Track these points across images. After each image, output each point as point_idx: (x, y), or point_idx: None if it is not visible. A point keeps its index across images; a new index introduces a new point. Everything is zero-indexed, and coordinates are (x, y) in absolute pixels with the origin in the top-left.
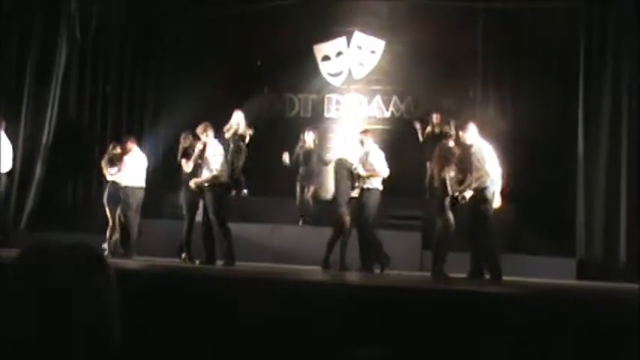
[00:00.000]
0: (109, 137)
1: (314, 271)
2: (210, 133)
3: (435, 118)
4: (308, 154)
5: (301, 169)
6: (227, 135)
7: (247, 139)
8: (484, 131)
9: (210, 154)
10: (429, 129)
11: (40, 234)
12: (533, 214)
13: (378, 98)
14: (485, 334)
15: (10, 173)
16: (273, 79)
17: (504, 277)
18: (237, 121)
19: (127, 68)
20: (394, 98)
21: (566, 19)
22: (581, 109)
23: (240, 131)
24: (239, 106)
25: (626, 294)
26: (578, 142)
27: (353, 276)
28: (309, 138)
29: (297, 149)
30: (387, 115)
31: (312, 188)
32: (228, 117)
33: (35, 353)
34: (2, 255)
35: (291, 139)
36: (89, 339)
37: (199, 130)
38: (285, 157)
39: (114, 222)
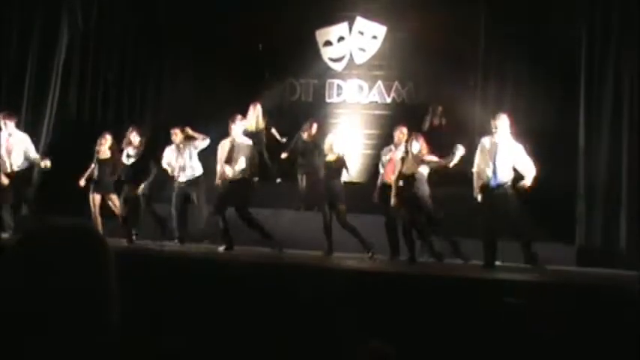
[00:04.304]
0: (109, 126)
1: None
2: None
3: (439, 109)
4: (307, 145)
5: (300, 159)
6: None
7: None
8: (484, 120)
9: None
10: (429, 120)
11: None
12: (534, 201)
13: (379, 84)
14: (487, 321)
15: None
16: (275, 63)
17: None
18: (257, 114)
19: (128, 55)
20: (395, 84)
21: (569, 11)
22: (582, 96)
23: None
24: (241, 93)
25: (625, 281)
26: (580, 130)
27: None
28: (312, 130)
29: (297, 139)
30: (389, 100)
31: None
32: (229, 105)
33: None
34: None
35: (291, 124)
36: (85, 318)
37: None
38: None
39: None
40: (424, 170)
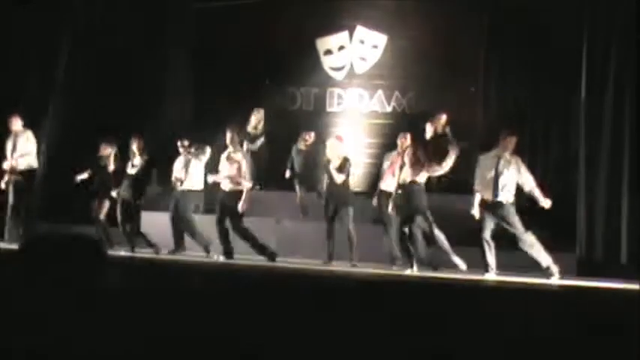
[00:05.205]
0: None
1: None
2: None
3: (443, 118)
4: (304, 154)
5: (297, 169)
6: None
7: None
8: (485, 128)
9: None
10: (432, 128)
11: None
12: (534, 211)
13: (379, 93)
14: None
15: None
16: (276, 72)
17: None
18: (259, 119)
19: (132, 62)
20: (396, 93)
21: (570, 16)
22: (583, 103)
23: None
24: (241, 101)
25: (625, 292)
26: (580, 138)
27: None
28: (309, 140)
29: (295, 149)
30: (389, 109)
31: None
32: (229, 114)
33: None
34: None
35: (292, 133)
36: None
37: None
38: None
39: None
40: (422, 179)
